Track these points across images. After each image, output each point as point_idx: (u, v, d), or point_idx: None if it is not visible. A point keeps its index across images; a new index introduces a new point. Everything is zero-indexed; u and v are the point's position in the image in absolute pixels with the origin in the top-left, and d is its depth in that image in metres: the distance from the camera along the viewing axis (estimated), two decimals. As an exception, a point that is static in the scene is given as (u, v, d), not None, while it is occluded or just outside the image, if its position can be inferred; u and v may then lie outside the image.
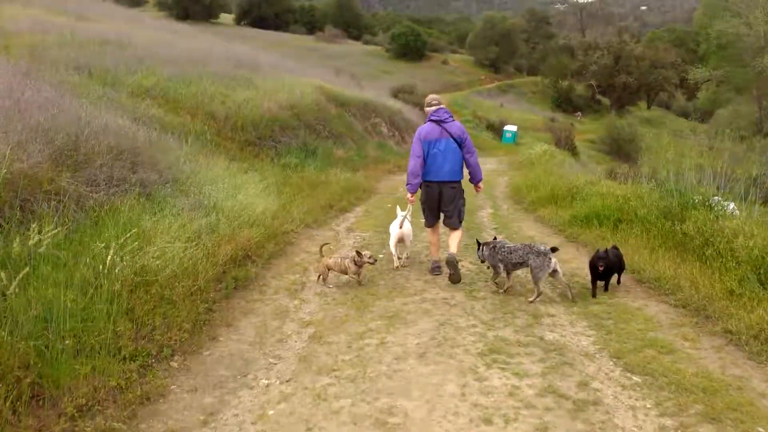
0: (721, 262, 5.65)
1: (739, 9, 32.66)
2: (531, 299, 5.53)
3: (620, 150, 43.12)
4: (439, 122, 6.27)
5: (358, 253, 6.09)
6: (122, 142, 7.83)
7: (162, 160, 8.43)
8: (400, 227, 6.71)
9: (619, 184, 10.02)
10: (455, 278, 6.12)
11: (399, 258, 6.89)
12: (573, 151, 28.47)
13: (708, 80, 42.14)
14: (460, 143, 6.24)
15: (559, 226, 9.22)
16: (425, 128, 6.34)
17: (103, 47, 15.16)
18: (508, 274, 5.82)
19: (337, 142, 17.47)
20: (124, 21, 24.64)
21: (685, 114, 66.75)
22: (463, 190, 6.48)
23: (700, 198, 7.24)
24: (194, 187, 8.14)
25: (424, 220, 6.69)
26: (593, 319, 5.06)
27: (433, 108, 6.36)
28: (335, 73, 32.66)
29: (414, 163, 6.24)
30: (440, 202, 6.37)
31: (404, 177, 6.93)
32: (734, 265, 5.43)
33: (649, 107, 67.24)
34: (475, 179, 6.58)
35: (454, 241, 6.35)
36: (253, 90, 16.16)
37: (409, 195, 6.48)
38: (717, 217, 6.53)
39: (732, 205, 7.53)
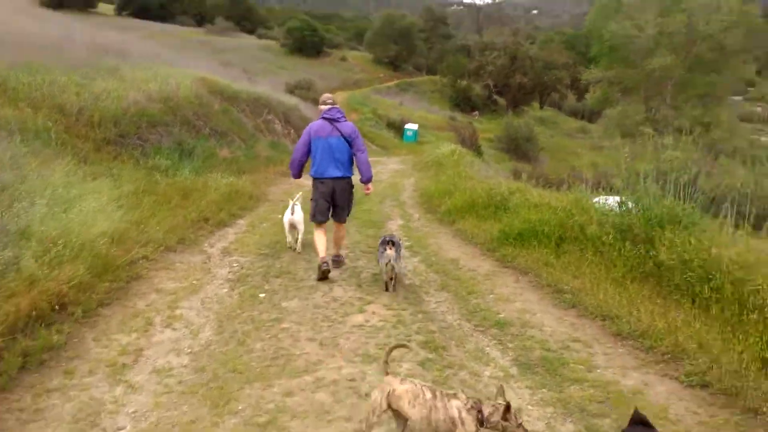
0: (732, 311, 4.08)
1: (631, 12, 33.44)
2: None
3: (518, 149, 43.61)
4: (331, 120, 6.34)
5: (480, 410, 2.70)
6: None
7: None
8: (292, 214, 7.12)
9: (549, 192, 8.55)
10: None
11: (294, 245, 7.24)
12: (478, 150, 27.52)
13: (600, 81, 43.46)
14: (350, 142, 6.33)
15: (486, 245, 7.54)
16: (316, 124, 6.43)
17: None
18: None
19: (221, 141, 15.03)
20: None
21: (575, 114, 69.47)
22: (353, 186, 6.57)
23: (666, 212, 5.77)
24: (4, 204, 5.72)
25: (311, 216, 6.55)
26: (578, 414, 3.29)
27: (327, 107, 6.45)
28: (223, 66, 29.70)
29: (296, 151, 6.48)
30: (333, 198, 6.45)
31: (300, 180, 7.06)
32: (757, 317, 3.84)
33: (541, 107, 68.99)
34: (364, 177, 6.51)
35: (340, 241, 6.68)
36: (117, 80, 13.40)
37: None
38: (699, 240, 5.03)
39: (610, 199, 6.74)
